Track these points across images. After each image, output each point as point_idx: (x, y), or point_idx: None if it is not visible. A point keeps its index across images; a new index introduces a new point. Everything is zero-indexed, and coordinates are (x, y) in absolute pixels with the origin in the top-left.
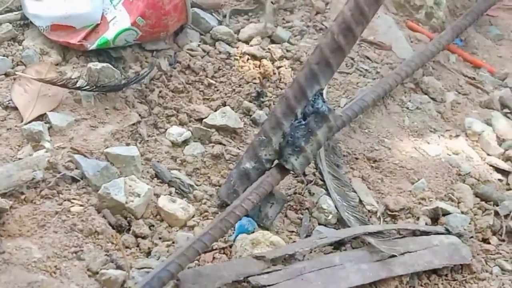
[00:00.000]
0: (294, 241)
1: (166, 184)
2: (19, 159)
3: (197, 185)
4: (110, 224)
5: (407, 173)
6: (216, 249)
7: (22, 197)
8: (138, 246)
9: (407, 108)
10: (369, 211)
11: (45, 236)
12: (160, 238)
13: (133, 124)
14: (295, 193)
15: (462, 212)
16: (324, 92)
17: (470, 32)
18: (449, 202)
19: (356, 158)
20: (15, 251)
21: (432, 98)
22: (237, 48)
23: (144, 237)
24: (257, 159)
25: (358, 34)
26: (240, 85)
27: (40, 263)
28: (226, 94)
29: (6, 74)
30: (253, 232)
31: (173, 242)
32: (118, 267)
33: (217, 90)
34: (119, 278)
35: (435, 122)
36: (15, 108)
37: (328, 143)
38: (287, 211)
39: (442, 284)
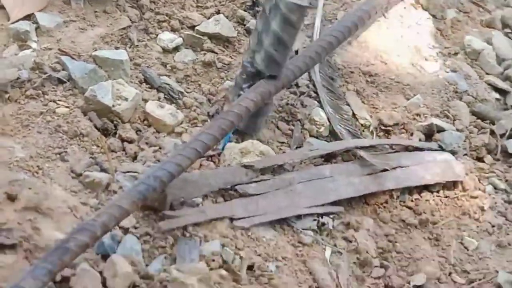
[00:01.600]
0: (284, 152)
1: (155, 90)
2: (4, 58)
3: (187, 92)
4: (96, 127)
5: (403, 89)
6: (203, 156)
7: (6, 96)
8: (124, 150)
9: (406, 23)
10: (362, 125)
11: (29, 136)
12: (147, 143)
13: (123, 28)
14: (287, 104)
15: (457, 130)
16: (321, 4)
17: None
18: (444, 119)
19: (352, 72)
20: None
21: (432, 15)
22: None
23: (130, 142)
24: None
25: None
26: None
27: (22, 162)
28: (220, 2)
29: None
30: (235, 139)
31: (160, 148)
32: (103, 170)
33: None
34: (103, 180)
35: (434, 39)
36: (2, 7)
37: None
38: (278, 122)
39: (434, 200)
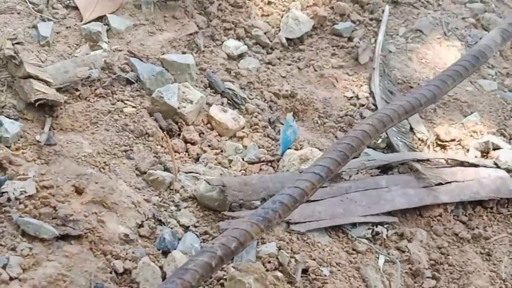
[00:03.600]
0: None
1: (219, 95)
2: (76, 57)
3: (249, 98)
4: (161, 128)
5: (461, 106)
6: (263, 161)
7: (77, 93)
8: (187, 151)
9: (467, 42)
10: (419, 139)
11: (97, 133)
12: (209, 146)
13: (191, 34)
14: (346, 115)
15: None
16: (384, 19)
17: None
18: (500, 137)
19: (411, 87)
20: (67, 145)
21: None
22: None
23: (193, 143)
24: None
25: None
26: None
27: (90, 158)
28: (284, 11)
29: None
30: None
31: (222, 151)
32: (166, 169)
33: (277, 7)
34: (166, 179)
35: (493, 59)
36: (76, 8)
37: (384, 70)
38: (337, 132)
39: (487, 216)
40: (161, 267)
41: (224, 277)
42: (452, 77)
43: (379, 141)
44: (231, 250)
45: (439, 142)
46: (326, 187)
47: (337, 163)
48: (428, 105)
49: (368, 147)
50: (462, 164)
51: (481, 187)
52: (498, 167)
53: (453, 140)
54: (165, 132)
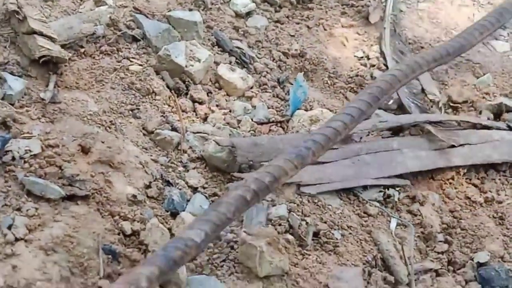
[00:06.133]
0: None
1: (227, 53)
2: (80, 12)
3: (258, 58)
4: (167, 86)
5: (473, 67)
6: (273, 121)
7: (82, 50)
8: (194, 111)
9: (478, 2)
10: (430, 100)
11: (102, 91)
12: (217, 105)
13: None
14: (356, 75)
15: None
16: None
17: None
18: None
19: (422, 47)
20: (72, 103)
21: None
22: None
23: (201, 103)
24: None
25: None
26: None
27: (95, 117)
28: None
29: None
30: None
31: (230, 111)
32: (174, 129)
33: None
34: (174, 139)
35: None
36: None
37: (395, 29)
38: (347, 93)
39: (500, 179)
40: (169, 229)
41: (234, 239)
42: (479, 30)
43: (390, 102)
44: (266, 185)
45: (451, 104)
46: (337, 148)
47: (368, 105)
48: (456, 55)
49: (379, 108)
50: (474, 126)
51: (494, 150)
52: (511, 129)
53: (465, 101)
54: (172, 91)
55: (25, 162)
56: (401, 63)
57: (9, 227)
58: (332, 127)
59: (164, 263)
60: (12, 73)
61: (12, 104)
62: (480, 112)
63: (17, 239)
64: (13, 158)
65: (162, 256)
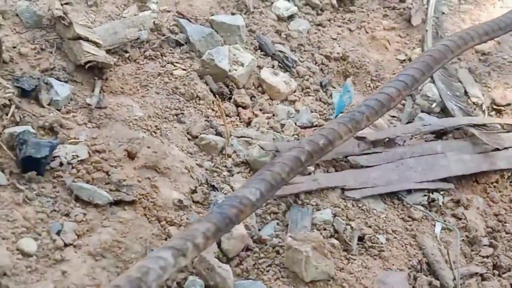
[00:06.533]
0: (395, 126)
1: (270, 57)
2: (124, 18)
3: (300, 61)
4: (211, 91)
5: None
6: (316, 125)
7: (126, 55)
8: (238, 115)
9: None
10: (474, 103)
11: (147, 96)
12: (260, 110)
13: None
14: None
15: None
16: None
17: None
18: None
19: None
20: (117, 108)
21: None
22: None
23: (244, 107)
24: None
25: None
26: None
27: (141, 122)
28: None
29: None
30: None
31: (274, 115)
32: (218, 134)
33: None
34: (218, 143)
35: None
36: None
37: (437, 32)
38: None
39: None
40: None
41: (280, 244)
42: None
43: (433, 105)
44: (320, 147)
45: (495, 107)
46: (380, 152)
47: (421, 72)
48: (508, 30)
49: (422, 111)
50: None
51: None
52: None
53: (509, 104)
54: (216, 96)
55: (72, 167)
56: (454, 34)
57: (58, 233)
58: (386, 93)
59: (219, 220)
60: (58, 79)
61: (59, 110)
62: None
63: (66, 245)
64: (61, 164)
65: (218, 214)
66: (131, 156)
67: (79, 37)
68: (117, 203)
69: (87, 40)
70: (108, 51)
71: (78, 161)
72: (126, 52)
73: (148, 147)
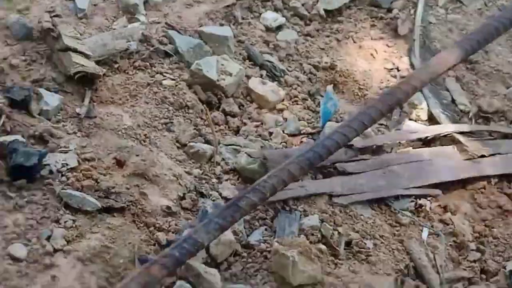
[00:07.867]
0: (382, 133)
1: (258, 67)
2: (114, 29)
3: (288, 71)
4: (200, 100)
5: (503, 77)
6: (304, 133)
7: (116, 66)
8: (227, 123)
9: None
10: (461, 110)
11: (137, 106)
12: (249, 118)
13: (228, 6)
14: (387, 87)
15: None
16: None
17: None
18: None
19: None
20: (107, 117)
21: None
22: None
23: (233, 116)
24: None
25: None
26: None
27: (130, 131)
28: None
29: None
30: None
31: (262, 123)
32: (207, 142)
33: None
34: (207, 152)
35: None
36: None
37: (424, 41)
38: None
39: None
40: None
41: (268, 249)
42: None
43: (420, 113)
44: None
45: (482, 114)
46: (367, 159)
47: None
48: None
49: (409, 119)
50: (506, 136)
51: None
52: None
53: (496, 112)
54: (204, 105)
55: (62, 175)
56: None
57: (48, 239)
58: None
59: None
60: (48, 89)
61: (49, 119)
62: (511, 122)
63: (55, 250)
64: (51, 172)
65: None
66: (120, 164)
67: (68, 49)
68: (106, 210)
69: (76, 51)
70: (97, 62)
71: (68, 169)
72: (116, 63)
73: (137, 155)
